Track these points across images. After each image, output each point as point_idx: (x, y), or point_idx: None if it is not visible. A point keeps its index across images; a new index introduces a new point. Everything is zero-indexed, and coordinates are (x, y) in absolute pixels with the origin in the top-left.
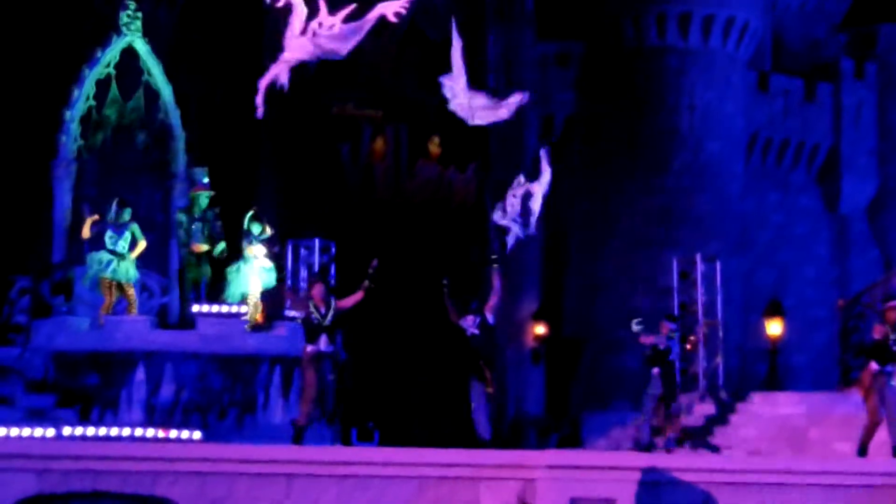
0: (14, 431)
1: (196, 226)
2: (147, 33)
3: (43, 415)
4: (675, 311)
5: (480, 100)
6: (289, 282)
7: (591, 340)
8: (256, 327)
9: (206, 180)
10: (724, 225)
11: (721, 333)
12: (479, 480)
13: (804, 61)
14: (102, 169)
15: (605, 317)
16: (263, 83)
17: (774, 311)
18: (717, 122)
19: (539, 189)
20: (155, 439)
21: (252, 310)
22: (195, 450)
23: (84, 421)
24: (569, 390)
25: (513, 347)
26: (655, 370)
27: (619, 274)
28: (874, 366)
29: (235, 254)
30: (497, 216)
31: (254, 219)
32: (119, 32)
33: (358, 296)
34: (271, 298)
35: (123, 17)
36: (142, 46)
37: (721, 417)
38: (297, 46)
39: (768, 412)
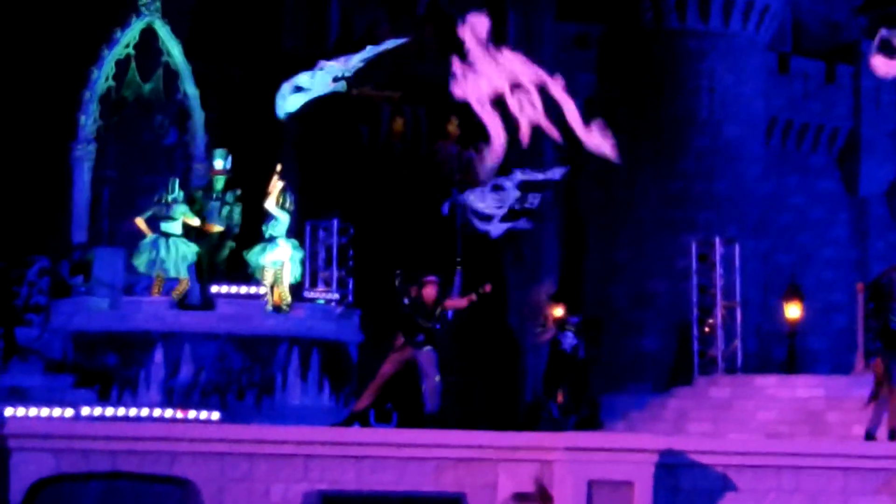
0: (33, 411)
1: (213, 205)
2: (167, 13)
3: (62, 395)
4: (695, 295)
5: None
6: (307, 263)
7: (609, 323)
8: (277, 308)
9: (218, 163)
10: (743, 207)
11: (739, 316)
12: (497, 462)
13: (824, 44)
14: (121, 149)
15: (623, 300)
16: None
17: (793, 295)
18: (736, 104)
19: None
20: (173, 420)
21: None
22: (214, 430)
23: (103, 401)
24: (587, 372)
25: (530, 330)
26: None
27: (637, 257)
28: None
29: (254, 234)
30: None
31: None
32: (138, 13)
33: (462, 302)
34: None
35: None
36: (161, 27)
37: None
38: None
39: (787, 395)
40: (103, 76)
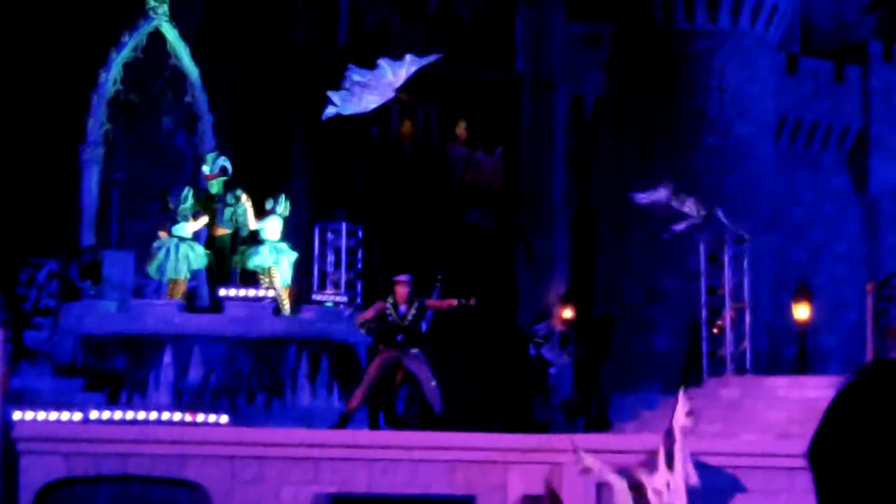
0: (42, 415)
1: (217, 208)
2: (177, 10)
3: (71, 398)
4: (703, 296)
5: None
6: (315, 266)
7: (621, 322)
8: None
9: (205, 168)
10: (754, 206)
11: (748, 317)
12: (508, 464)
13: (833, 43)
14: (130, 152)
15: (634, 298)
16: None
17: (802, 295)
18: (746, 104)
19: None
20: (183, 423)
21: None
22: (224, 433)
23: (112, 404)
24: (598, 372)
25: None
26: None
27: (647, 255)
28: None
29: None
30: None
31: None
32: (147, 16)
33: (443, 304)
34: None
35: (150, 2)
36: (169, 30)
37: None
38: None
39: (797, 395)
40: (111, 79)
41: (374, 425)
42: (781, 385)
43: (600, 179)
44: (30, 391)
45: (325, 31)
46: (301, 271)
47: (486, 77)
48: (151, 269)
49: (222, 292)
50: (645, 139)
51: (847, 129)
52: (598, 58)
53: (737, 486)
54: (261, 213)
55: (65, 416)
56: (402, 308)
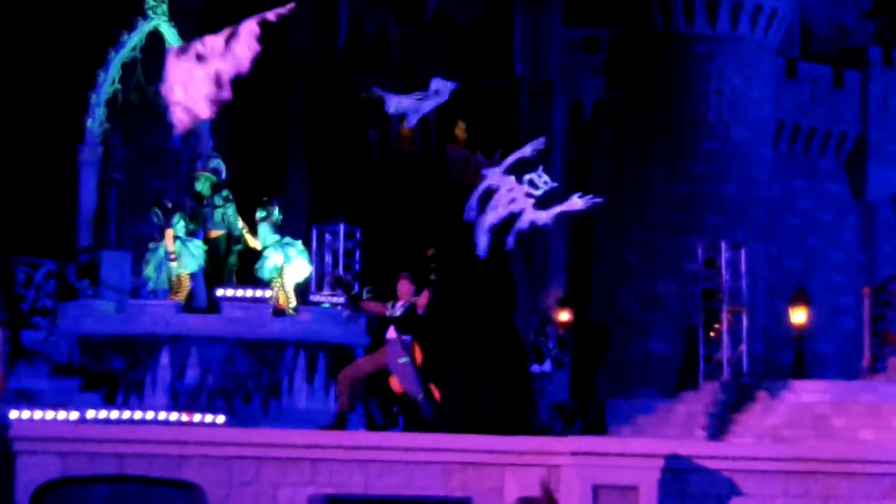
0: (38, 414)
1: (206, 211)
2: (174, 14)
3: (68, 398)
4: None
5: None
6: (313, 267)
7: (617, 326)
8: (279, 312)
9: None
10: (751, 211)
11: (746, 321)
12: (504, 466)
13: (832, 48)
14: (128, 152)
15: (631, 303)
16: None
17: (800, 300)
18: (744, 108)
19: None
20: (179, 423)
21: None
22: (221, 434)
23: (109, 404)
24: (594, 377)
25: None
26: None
27: (645, 260)
28: None
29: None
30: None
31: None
32: (145, 16)
33: (424, 298)
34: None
35: (149, 1)
36: (168, 30)
37: (744, 405)
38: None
39: (792, 400)
40: (110, 79)
41: (370, 426)
42: (777, 389)
43: (598, 184)
44: (27, 391)
45: (324, 36)
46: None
47: (485, 82)
48: (148, 272)
49: (219, 293)
50: (643, 144)
51: (845, 134)
52: (596, 63)
53: (733, 491)
54: (250, 223)
55: (62, 415)
56: (398, 305)
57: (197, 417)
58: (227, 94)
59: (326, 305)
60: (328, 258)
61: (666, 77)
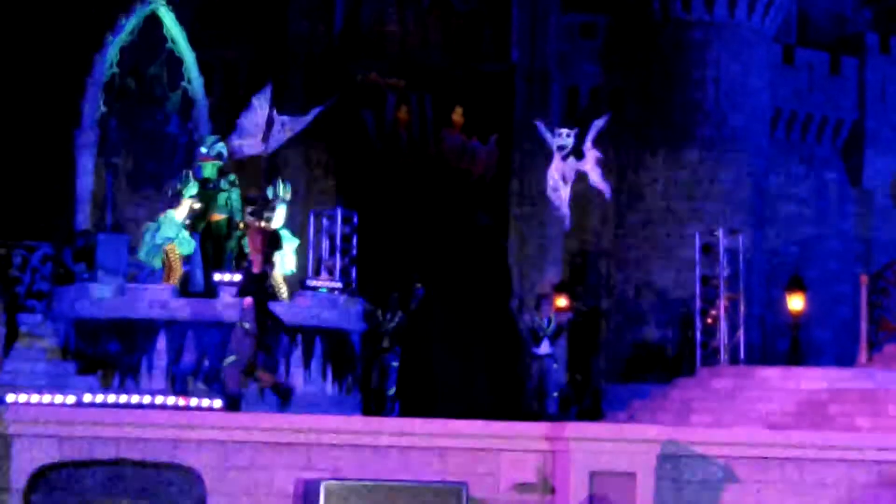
0: (35, 398)
1: (210, 194)
2: (171, 1)
3: (64, 381)
4: (697, 286)
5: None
6: (310, 252)
7: (614, 313)
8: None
9: (203, 150)
10: (748, 198)
11: (742, 307)
12: (500, 452)
13: (830, 35)
14: (125, 136)
15: (626, 289)
16: None
17: (796, 286)
18: (741, 95)
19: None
20: (176, 407)
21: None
22: (216, 418)
23: (105, 388)
24: (590, 363)
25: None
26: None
27: (640, 245)
28: None
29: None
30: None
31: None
32: (143, 0)
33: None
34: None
35: None
36: (166, 14)
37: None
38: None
39: (789, 386)
40: (107, 63)
41: (367, 411)
42: (774, 376)
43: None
44: (23, 374)
45: (321, 21)
46: (296, 258)
47: (481, 68)
48: (142, 254)
49: (217, 277)
50: (639, 130)
51: (842, 122)
52: (593, 49)
53: (729, 477)
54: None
55: (58, 399)
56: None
57: (193, 401)
58: None
59: (324, 290)
60: (325, 243)
61: (663, 64)
